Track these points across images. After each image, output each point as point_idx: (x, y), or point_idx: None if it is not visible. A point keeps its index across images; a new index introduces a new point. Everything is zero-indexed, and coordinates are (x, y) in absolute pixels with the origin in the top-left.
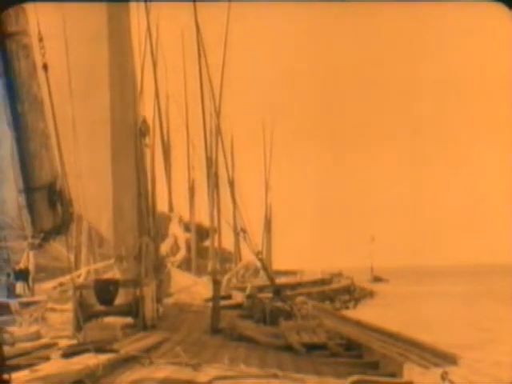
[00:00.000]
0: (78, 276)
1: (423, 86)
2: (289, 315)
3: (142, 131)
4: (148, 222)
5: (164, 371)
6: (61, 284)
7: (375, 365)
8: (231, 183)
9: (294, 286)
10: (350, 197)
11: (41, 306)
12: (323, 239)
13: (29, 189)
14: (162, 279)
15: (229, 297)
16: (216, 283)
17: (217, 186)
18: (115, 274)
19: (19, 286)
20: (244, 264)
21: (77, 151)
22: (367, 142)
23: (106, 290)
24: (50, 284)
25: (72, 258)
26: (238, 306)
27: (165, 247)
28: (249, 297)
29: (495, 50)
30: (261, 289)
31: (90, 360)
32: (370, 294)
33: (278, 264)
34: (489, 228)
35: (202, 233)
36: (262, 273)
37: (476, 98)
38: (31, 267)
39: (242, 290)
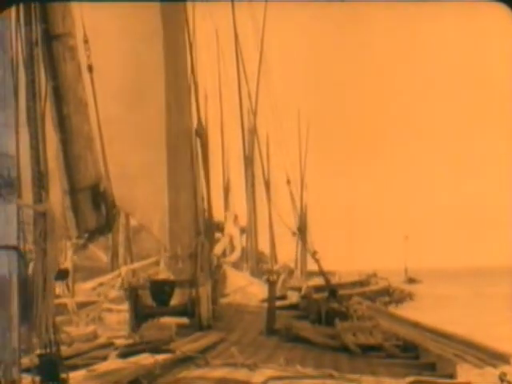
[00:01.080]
0: (118, 275)
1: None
2: (344, 316)
3: (198, 132)
4: (204, 222)
5: (220, 371)
6: (101, 284)
7: (432, 366)
8: (267, 183)
9: None
10: (383, 197)
11: (97, 306)
12: (357, 239)
13: (73, 190)
14: (217, 279)
15: (284, 297)
16: (271, 284)
17: (253, 185)
18: (154, 273)
19: (58, 287)
20: (281, 265)
21: (128, 152)
22: (403, 141)
23: (161, 291)
24: (89, 284)
25: (105, 257)
26: (294, 307)
27: (220, 247)
28: (304, 297)
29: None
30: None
31: (146, 360)
32: (410, 296)
33: (312, 264)
34: None
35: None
36: (295, 274)
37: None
38: (69, 267)
39: (297, 290)
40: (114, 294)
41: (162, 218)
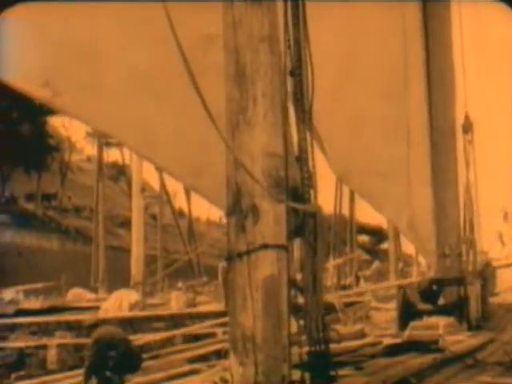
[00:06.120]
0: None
1: None
2: None
3: (465, 127)
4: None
5: (489, 373)
6: None
7: None
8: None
9: None
10: None
11: (365, 305)
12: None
13: None
14: (486, 278)
15: None
16: None
17: None
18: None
19: None
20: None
21: (376, 148)
22: None
23: (429, 289)
24: None
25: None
26: None
27: (488, 244)
28: None
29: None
30: None
31: (414, 359)
32: None
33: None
34: None
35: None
36: None
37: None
38: None
39: None
40: (381, 292)
41: (411, 215)
